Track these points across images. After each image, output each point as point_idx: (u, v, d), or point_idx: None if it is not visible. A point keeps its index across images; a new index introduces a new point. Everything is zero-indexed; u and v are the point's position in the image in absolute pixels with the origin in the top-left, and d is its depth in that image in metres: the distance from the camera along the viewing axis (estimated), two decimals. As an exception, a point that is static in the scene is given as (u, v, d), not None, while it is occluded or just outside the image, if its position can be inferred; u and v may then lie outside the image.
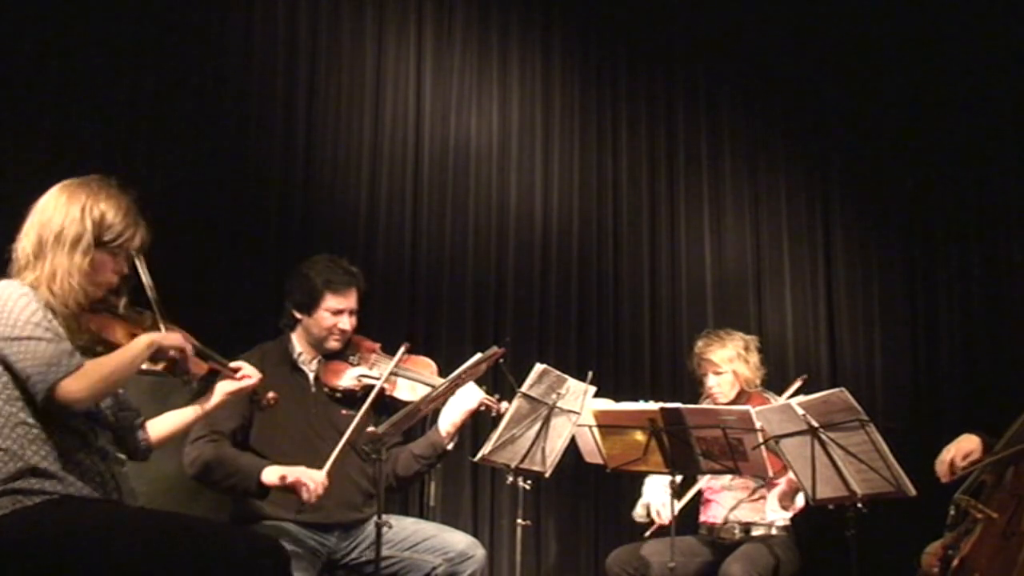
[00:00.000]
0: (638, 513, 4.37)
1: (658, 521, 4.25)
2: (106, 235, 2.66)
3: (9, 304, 2.56)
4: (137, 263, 2.76)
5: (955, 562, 3.19)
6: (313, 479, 3.32)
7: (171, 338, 2.74)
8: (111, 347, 2.72)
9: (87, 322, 2.69)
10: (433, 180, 5.20)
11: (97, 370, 2.59)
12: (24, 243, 2.67)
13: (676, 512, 3.92)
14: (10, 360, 2.54)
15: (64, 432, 2.60)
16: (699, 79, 5.81)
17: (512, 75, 5.46)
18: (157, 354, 2.71)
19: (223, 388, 2.99)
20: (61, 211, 2.66)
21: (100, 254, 2.67)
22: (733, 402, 4.32)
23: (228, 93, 4.83)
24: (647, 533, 4.26)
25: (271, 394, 3.12)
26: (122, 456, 2.78)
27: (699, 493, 4.45)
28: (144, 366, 2.77)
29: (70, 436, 2.61)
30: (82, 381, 2.54)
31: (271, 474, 3.36)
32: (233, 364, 3.01)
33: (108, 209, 2.67)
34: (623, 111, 5.66)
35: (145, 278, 2.77)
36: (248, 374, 3.01)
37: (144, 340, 2.68)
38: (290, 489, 3.34)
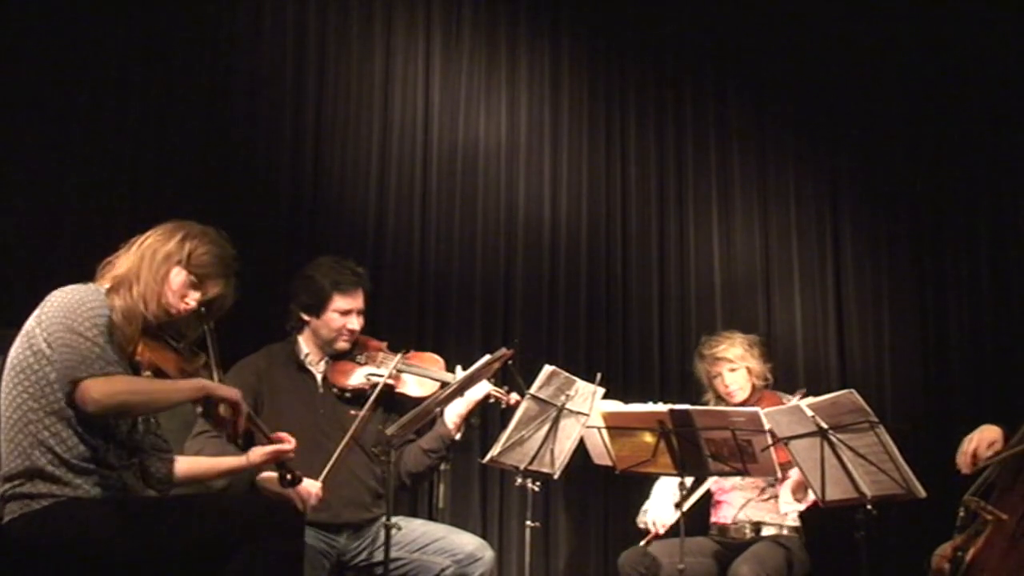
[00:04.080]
0: (640, 520, 4.37)
1: (653, 531, 4.25)
2: (193, 262, 2.79)
3: (86, 301, 2.64)
4: (207, 332, 2.80)
5: (965, 564, 3.19)
6: (308, 490, 3.23)
7: (225, 390, 2.71)
8: (160, 375, 2.76)
9: (144, 347, 2.73)
10: (442, 181, 5.19)
11: (128, 385, 2.61)
12: (119, 256, 2.80)
13: (681, 513, 3.92)
14: (55, 346, 2.58)
15: (77, 439, 2.61)
16: (708, 79, 5.79)
17: (520, 76, 5.45)
18: (207, 403, 2.69)
19: (259, 451, 2.94)
20: (164, 233, 2.83)
21: (179, 272, 2.77)
22: (746, 401, 4.34)
23: (237, 95, 4.84)
24: (643, 542, 4.24)
25: (298, 472, 3.02)
26: (132, 462, 2.78)
27: (709, 494, 4.45)
28: None
29: (82, 445, 2.62)
30: (107, 387, 2.55)
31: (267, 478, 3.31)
32: (273, 435, 2.97)
33: (204, 246, 2.83)
34: (631, 111, 5.65)
35: (210, 342, 2.80)
36: (284, 438, 2.96)
37: (197, 382, 2.69)
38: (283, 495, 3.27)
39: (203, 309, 2.82)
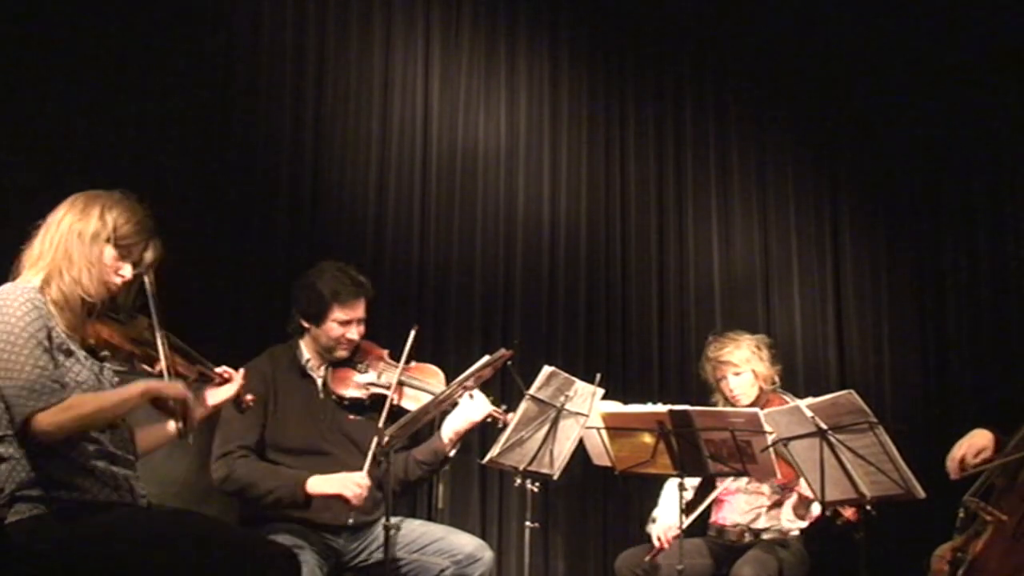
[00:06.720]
0: (648, 528, 4.34)
1: (658, 544, 4.20)
2: (119, 236, 2.72)
3: (15, 308, 2.57)
4: (146, 280, 2.77)
5: (964, 565, 3.19)
6: (358, 483, 3.36)
7: (170, 388, 2.71)
8: (116, 351, 2.75)
9: (91, 329, 2.71)
10: (441, 183, 5.19)
11: (78, 409, 2.56)
12: (36, 242, 2.72)
13: (685, 525, 3.92)
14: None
15: (79, 439, 2.60)
16: (707, 81, 5.80)
17: (520, 78, 5.45)
18: (155, 402, 2.70)
19: (213, 397, 2.97)
20: (78, 212, 2.72)
21: (111, 249, 2.71)
22: (753, 404, 4.27)
23: (236, 97, 4.83)
24: (647, 558, 4.19)
25: (249, 396, 3.08)
26: (131, 457, 2.78)
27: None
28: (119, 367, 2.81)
29: (84, 442, 2.61)
30: (59, 417, 2.52)
31: (316, 484, 3.39)
32: (218, 369, 2.98)
33: (123, 214, 2.74)
34: (631, 113, 5.65)
35: (150, 289, 2.77)
36: (230, 375, 2.98)
37: (139, 387, 2.66)
38: (337, 497, 3.38)
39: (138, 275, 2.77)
